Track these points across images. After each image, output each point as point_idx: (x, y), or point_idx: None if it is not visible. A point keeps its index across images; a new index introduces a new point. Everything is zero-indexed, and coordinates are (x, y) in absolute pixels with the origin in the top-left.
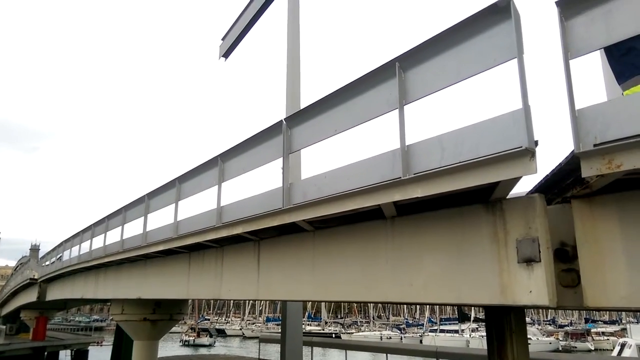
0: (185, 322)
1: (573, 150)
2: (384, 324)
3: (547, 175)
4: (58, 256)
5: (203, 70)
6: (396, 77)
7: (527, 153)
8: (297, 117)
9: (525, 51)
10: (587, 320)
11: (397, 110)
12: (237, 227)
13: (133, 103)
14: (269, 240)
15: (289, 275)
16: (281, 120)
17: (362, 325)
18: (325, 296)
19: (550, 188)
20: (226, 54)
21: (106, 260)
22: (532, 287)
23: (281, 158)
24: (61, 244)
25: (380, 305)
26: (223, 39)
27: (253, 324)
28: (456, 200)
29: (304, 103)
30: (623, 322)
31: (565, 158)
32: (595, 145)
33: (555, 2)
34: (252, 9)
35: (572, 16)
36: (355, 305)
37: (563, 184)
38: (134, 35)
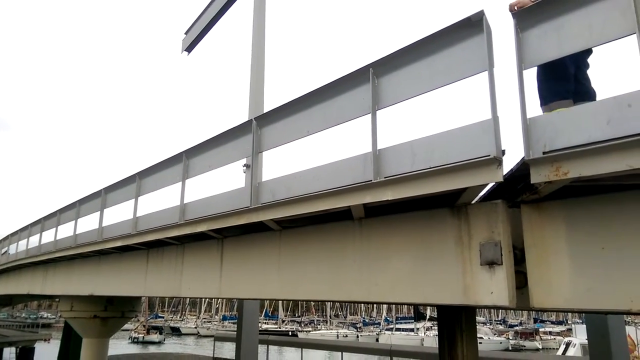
0: (138, 320)
1: (523, 157)
2: (341, 322)
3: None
4: (4, 250)
5: (164, 64)
6: (370, 82)
7: (494, 161)
8: (268, 116)
9: (496, 64)
10: (535, 321)
11: (369, 115)
12: (202, 225)
13: (91, 94)
14: (233, 238)
15: (253, 274)
16: (251, 119)
17: (319, 324)
18: (291, 295)
19: (502, 193)
20: (189, 48)
21: (57, 255)
22: (493, 288)
23: (246, 157)
24: (7, 237)
25: (337, 304)
26: (186, 32)
27: (209, 322)
28: (423, 204)
29: (267, 102)
30: (569, 322)
31: (516, 164)
32: (544, 152)
33: (512, 14)
34: (218, 3)
35: (526, 28)
36: (313, 303)
37: (513, 189)
38: (91, 25)
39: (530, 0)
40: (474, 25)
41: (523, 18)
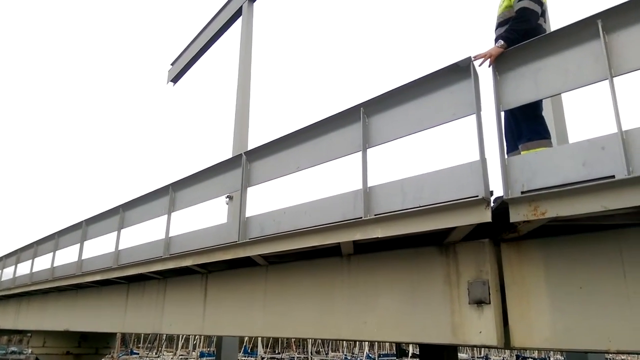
0: (112, 357)
1: (502, 196)
2: (322, 359)
3: None
4: None
5: (148, 95)
6: (360, 121)
7: (483, 202)
8: (259, 151)
9: (483, 108)
10: (518, 358)
11: (360, 153)
12: (187, 259)
13: (73, 124)
14: (217, 273)
15: (238, 310)
16: (241, 153)
17: None
18: (277, 332)
19: (484, 231)
20: (175, 79)
21: (33, 288)
22: (482, 327)
23: (235, 191)
24: None
25: (319, 340)
26: (172, 63)
27: (186, 358)
28: (411, 242)
29: (252, 137)
30: (551, 359)
31: (495, 203)
32: (522, 192)
33: (484, 60)
34: (206, 35)
35: (504, 71)
36: (293, 339)
37: (494, 227)
38: (71, 51)
39: (501, 47)
40: (462, 70)
41: (501, 60)
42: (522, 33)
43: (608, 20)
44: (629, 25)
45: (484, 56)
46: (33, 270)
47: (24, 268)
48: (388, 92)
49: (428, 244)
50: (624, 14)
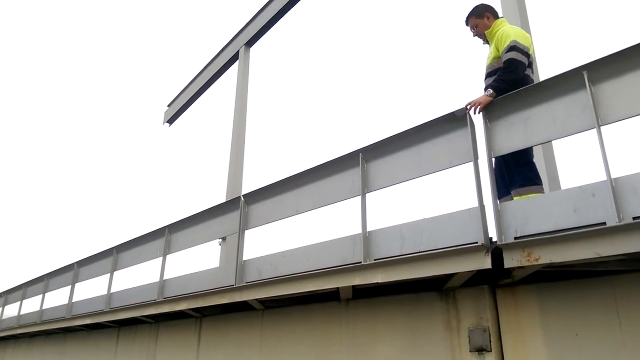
0: None
1: (496, 242)
2: None
3: None
4: None
5: (142, 135)
6: (359, 166)
7: (482, 248)
8: (257, 194)
9: (480, 156)
10: None
11: (359, 197)
12: (181, 303)
13: (64, 164)
14: (212, 317)
15: (233, 356)
16: (239, 196)
17: None
18: None
19: (482, 277)
20: (171, 120)
21: (20, 331)
22: None
23: (232, 234)
24: None
25: None
26: (169, 105)
27: None
28: (411, 287)
29: (246, 179)
30: None
31: (490, 249)
32: (515, 238)
33: (473, 108)
34: (202, 78)
35: (494, 118)
36: None
37: (490, 273)
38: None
39: (490, 96)
40: (459, 119)
41: (491, 108)
42: (510, 83)
43: (593, 71)
44: (614, 76)
45: (474, 104)
46: (21, 313)
47: (11, 310)
48: (387, 138)
49: (427, 290)
50: (609, 66)
